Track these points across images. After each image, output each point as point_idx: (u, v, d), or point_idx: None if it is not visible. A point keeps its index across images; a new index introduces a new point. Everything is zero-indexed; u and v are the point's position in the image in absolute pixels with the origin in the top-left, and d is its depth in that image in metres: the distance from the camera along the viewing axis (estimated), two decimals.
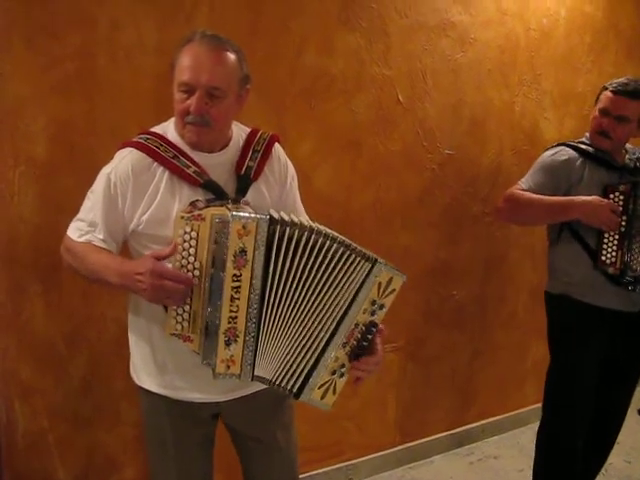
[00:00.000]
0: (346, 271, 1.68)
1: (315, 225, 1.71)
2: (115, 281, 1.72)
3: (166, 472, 1.99)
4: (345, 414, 3.24)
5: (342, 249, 1.67)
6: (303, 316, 1.69)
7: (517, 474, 3.44)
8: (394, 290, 1.73)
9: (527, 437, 3.74)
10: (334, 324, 1.70)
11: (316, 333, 1.70)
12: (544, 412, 2.85)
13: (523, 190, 2.74)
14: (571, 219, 2.68)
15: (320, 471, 3.21)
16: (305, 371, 1.72)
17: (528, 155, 3.40)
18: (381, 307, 1.73)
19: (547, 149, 2.82)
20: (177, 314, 1.69)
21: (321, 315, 1.69)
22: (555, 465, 2.80)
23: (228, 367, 1.67)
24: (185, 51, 1.76)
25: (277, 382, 1.72)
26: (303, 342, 1.70)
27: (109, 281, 1.74)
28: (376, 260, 1.69)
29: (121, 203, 1.78)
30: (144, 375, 1.93)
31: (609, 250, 2.62)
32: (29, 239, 2.35)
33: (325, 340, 1.70)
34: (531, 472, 2.93)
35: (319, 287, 1.68)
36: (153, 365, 1.89)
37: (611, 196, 2.62)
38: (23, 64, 2.26)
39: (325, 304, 1.69)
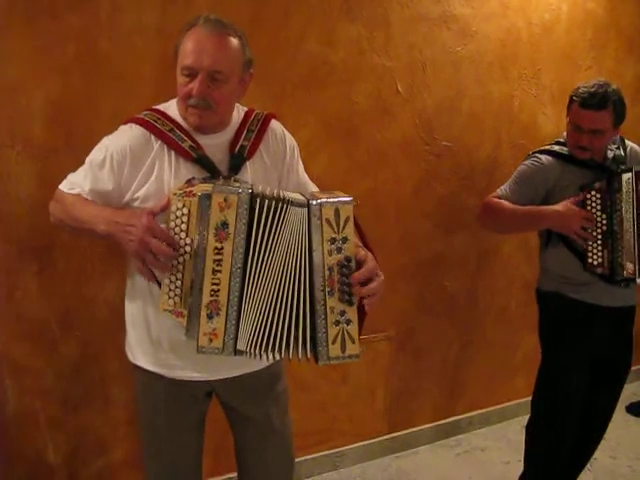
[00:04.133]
0: (292, 224, 1.68)
1: (292, 195, 1.72)
2: (103, 229, 1.73)
3: (159, 450, 2.01)
4: (334, 402, 3.26)
5: (285, 206, 1.67)
6: (281, 283, 1.69)
7: (503, 466, 3.46)
8: (348, 218, 1.68)
9: (515, 430, 3.77)
10: (307, 280, 1.69)
11: (296, 295, 1.69)
12: (533, 408, 2.86)
13: (499, 197, 2.73)
14: (545, 228, 2.70)
15: (308, 457, 3.23)
16: (308, 334, 1.71)
17: (525, 150, 3.39)
18: (345, 240, 1.68)
19: (525, 158, 2.80)
20: (170, 290, 1.70)
21: (293, 277, 1.69)
22: (542, 460, 2.81)
23: (210, 340, 1.67)
24: (188, 35, 1.78)
25: (262, 353, 1.71)
26: (285, 308, 1.70)
27: (96, 229, 1.75)
28: (308, 202, 1.67)
29: (117, 175, 1.80)
30: (139, 353, 1.95)
31: (594, 252, 2.60)
32: (25, 219, 2.36)
33: (308, 297, 1.69)
34: (517, 465, 2.95)
35: (285, 251, 1.68)
36: (148, 343, 1.91)
37: (588, 196, 2.58)
38: (23, 44, 2.26)
39: (291, 264, 1.69)
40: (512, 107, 3.57)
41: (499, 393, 3.94)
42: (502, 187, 2.77)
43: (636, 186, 2.55)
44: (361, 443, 3.43)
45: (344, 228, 1.68)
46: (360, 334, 1.73)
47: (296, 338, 1.71)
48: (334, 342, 1.70)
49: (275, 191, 1.72)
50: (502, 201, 2.70)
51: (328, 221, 1.67)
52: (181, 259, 1.69)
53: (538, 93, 3.65)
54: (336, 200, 1.68)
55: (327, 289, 1.69)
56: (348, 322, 1.71)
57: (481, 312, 3.75)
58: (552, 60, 3.65)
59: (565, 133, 2.72)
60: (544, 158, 2.69)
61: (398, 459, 3.51)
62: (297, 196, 1.72)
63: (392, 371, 3.45)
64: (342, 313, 1.70)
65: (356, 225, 1.75)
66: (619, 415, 2.90)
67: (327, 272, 1.69)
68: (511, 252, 3.76)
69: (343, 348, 1.71)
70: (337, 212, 1.67)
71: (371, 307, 1.75)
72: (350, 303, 1.70)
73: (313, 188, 2.06)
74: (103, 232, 1.74)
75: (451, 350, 3.67)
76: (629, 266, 2.56)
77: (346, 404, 3.32)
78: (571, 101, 2.64)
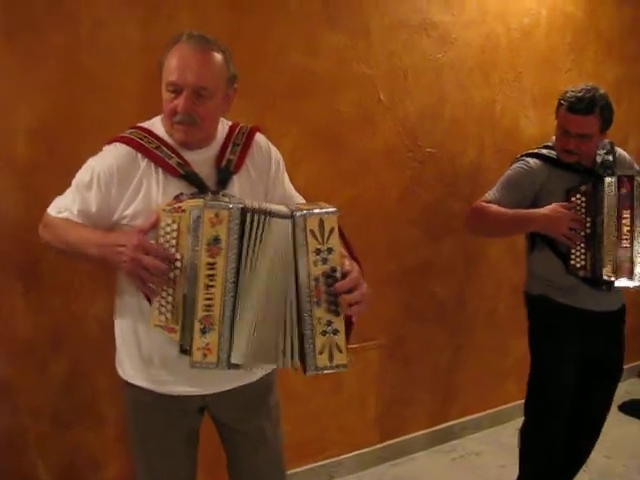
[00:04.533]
0: (277, 236, 1.68)
1: (279, 209, 1.71)
2: (94, 252, 1.74)
3: (150, 465, 2.00)
4: (326, 412, 3.26)
5: (270, 218, 1.67)
6: (271, 296, 1.69)
7: (498, 470, 3.46)
8: (333, 229, 1.68)
9: (508, 433, 3.76)
10: (293, 289, 1.69)
11: (284, 306, 1.69)
12: (525, 412, 2.87)
13: (488, 201, 2.73)
14: (533, 231, 2.71)
15: (303, 468, 3.21)
16: (295, 345, 1.71)
17: (509, 154, 3.41)
18: (330, 251, 1.69)
19: (513, 162, 2.81)
20: (161, 305, 1.70)
21: (282, 288, 1.69)
22: (536, 464, 2.81)
23: (205, 355, 1.67)
24: (173, 52, 1.79)
25: (256, 366, 1.73)
26: (278, 320, 1.70)
27: (88, 253, 1.76)
28: (292, 213, 1.68)
29: (105, 196, 1.80)
30: (130, 369, 1.93)
31: (577, 254, 2.61)
32: (9, 237, 2.35)
33: (295, 308, 1.70)
34: (512, 468, 2.95)
35: (274, 263, 1.68)
36: (139, 359, 1.90)
37: (573, 199, 2.60)
38: (4, 61, 2.26)
39: (278, 275, 1.69)
40: (494, 112, 3.60)
41: (491, 397, 3.94)
42: (490, 191, 2.77)
43: (618, 190, 2.56)
44: (355, 452, 3.42)
45: (329, 239, 1.68)
46: (348, 344, 1.73)
47: (284, 349, 1.71)
48: (322, 352, 1.70)
49: (262, 204, 1.72)
50: (491, 205, 2.70)
51: (312, 232, 1.67)
52: (171, 274, 1.69)
53: (519, 97, 3.67)
54: (320, 211, 1.69)
55: (313, 300, 1.69)
56: (335, 332, 1.71)
57: (470, 317, 3.76)
58: (532, 64, 3.69)
59: (554, 137, 2.74)
60: (532, 162, 2.71)
61: (393, 467, 3.51)
62: (281, 208, 1.73)
63: (383, 379, 3.44)
64: (329, 323, 1.70)
65: (341, 235, 1.75)
66: (612, 414, 2.90)
67: (313, 283, 1.69)
68: (498, 256, 3.77)
69: (331, 358, 1.71)
70: (321, 223, 1.68)
71: (357, 316, 1.75)
72: (337, 313, 1.70)
73: (299, 200, 2.06)
74: (95, 256, 1.75)
75: (442, 356, 3.68)
76: (608, 267, 2.57)
77: (338, 414, 3.31)
78: (559, 105, 2.65)
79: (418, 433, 3.65)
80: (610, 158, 2.69)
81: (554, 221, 2.57)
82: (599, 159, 2.68)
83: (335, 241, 1.69)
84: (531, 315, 2.86)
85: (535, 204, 2.67)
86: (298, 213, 1.68)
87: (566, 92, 2.63)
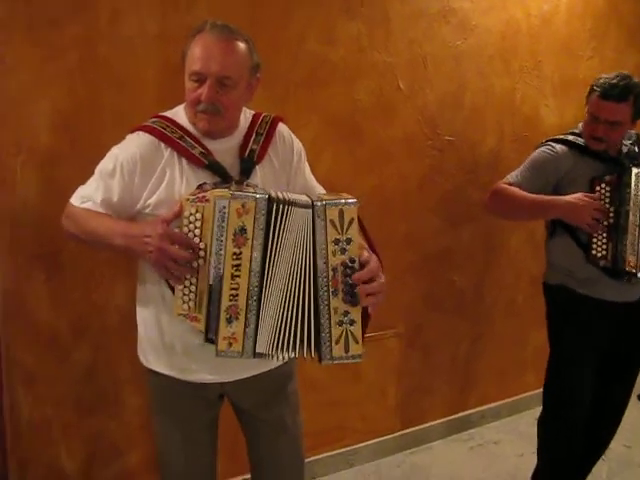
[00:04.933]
0: (298, 225, 1.69)
1: (304, 199, 1.72)
2: (119, 243, 1.75)
3: (174, 453, 2.01)
4: (346, 400, 3.27)
5: (291, 208, 1.68)
6: (292, 285, 1.71)
7: (517, 459, 3.46)
8: (352, 219, 1.69)
9: (527, 422, 3.76)
10: (311, 280, 1.70)
11: (302, 295, 1.71)
12: (544, 401, 2.86)
13: (510, 184, 2.71)
14: (554, 217, 2.69)
15: (322, 456, 3.23)
16: (312, 334, 1.72)
17: (529, 142, 3.39)
18: (349, 241, 1.70)
19: (539, 145, 2.79)
20: (184, 294, 1.71)
21: (300, 277, 1.71)
22: (554, 453, 2.81)
23: (230, 345, 1.69)
24: (196, 41, 1.79)
25: (279, 354, 1.73)
26: (294, 308, 1.71)
27: (113, 244, 1.77)
28: (312, 203, 1.69)
29: (128, 184, 1.81)
30: (152, 357, 1.95)
31: (599, 244, 2.59)
32: (32, 228, 2.36)
33: (312, 298, 1.71)
34: (530, 457, 2.96)
35: (294, 253, 1.70)
36: (161, 347, 1.91)
37: (597, 188, 2.58)
38: (25, 54, 2.27)
39: (298, 265, 1.70)
40: (514, 100, 3.57)
41: (510, 386, 3.94)
42: (513, 174, 2.76)
43: None
44: (374, 440, 3.43)
45: (348, 229, 1.69)
46: (364, 335, 1.74)
47: (302, 338, 1.72)
48: (337, 342, 1.71)
49: (286, 194, 1.73)
50: (513, 188, 2.68)
51: (332, 222, 1.68)
52: (195, 264, 1.70)
53: (539, 85, 3.64)
54: (340, 201, 1.69)
55: (331, 289, 1.70)
56: (352, 322, 1.72)
57: (489, 306, 3.75)
58: (552, 51, 3.65)
59: (581, 124, 2.71)
60: (558, 147, 2.68)
61: (412, 455, 3.52)
62: (302, 197, 1.73)
63: (402, 368, 3.45)
64: (345, 313, 1.71)
65: (360, 226, 1.76)
66: (632, 404, 2.88)
67: (331, 272, 1.70)
68: (518, 246, 3.76)
69: (346, 348, 1.72)
70: (341, 213, 1.68)
71: (374, 308, 1.76)
72: (354, 304, 1.71)
73: (320, 190, 2.06)
74: (120, 246, 1.76)
75: (461, 345, 3.67)
76: (631, 259, 2.55)
77: (358, 402, 3.32)
78: (591, 91, 2.62)
79: (437, 422, 3.65)
80: (636, 149, 2.68)
81: (578, 209, 2.55)
82: (625, 149, 2.66)
83: (354, 232, 1.70)
84: (550, 304, 2.85)
85: (557, 191, 2.66)
86: (318, 203, 1.69)
87: (599, 78, 2.60)
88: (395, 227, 3.25)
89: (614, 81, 2.53)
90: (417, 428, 3.57)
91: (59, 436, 2.54)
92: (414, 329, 3.45)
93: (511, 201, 2.68)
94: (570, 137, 2.71)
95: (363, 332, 1.74)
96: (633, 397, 2.91)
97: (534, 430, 2.91)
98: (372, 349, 3.21)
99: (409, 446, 3.54)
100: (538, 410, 2.91)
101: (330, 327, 1.71)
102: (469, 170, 3.46)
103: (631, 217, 2.54)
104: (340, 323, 1.71)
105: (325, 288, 1.70)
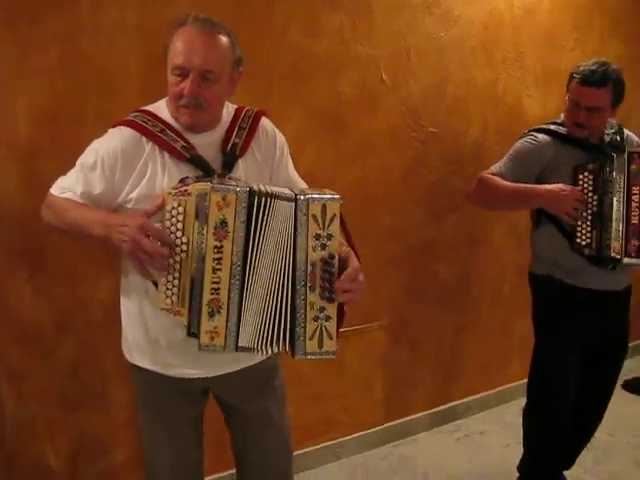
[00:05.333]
0: (280, 219, 1.70)
1: (286, 192, 1.73)
2: (98, 232, 1.73)
3: (160, 449, 2.01)
4: (332, 394, 3.27)
5: (274, 200, 1.69)
6: (271, 278, 1.72)
7: (503, 449, 3.47)
8: (335, 215, 1.70)
9: (512, 413, 3.78)
10: (289, 274, 1.71)
11: (281, 290, 1.72)
12: (529, 392, 2.88)
13: (493, 174, 2.73)
14: (536, 207, 2.72)
15: (309, 449, 3.23)
16: (288, 329, 1.73)
17: (512, 133, 3.39)
18: (330, 237, 1.70)
19: (521, 135, 2.81)
20: (167, 289, 1.71)
21: (279, 271, 1.72)
22: (539, 444, 2.83)
23: (212, 338, 1.69)
24: (178, 35, 1.78)
25: (262, 348, 1.73)
26: (274, 302, 1.72)
27: (92, 233, 1.75)
28: (296, 196, 1.69)
29: (109, 178, 1.80)
30: (136, 352, 1.94)
31: (583, 232, 2.60)
32: (13, 223, 2.34)
33: (289, 291, 1.72)
34: (516, 447, 2.97)
35: (275, 246, 1.71)
36: (145, 342, 1.90)
37: (580, 177, 2.60)
38: (5, 49, 2.25)
39: (278, 258, 1.71)
40: (497, 91, 3.58)
41: (495, 377, 3.96)
42: (497, 164, 2.77)
43: (628, 167, 2.55)
44: (360, 433, 3.43)
45: (330, 225, 1.70)
46: (338, 331, 1.75)
47: (279, 332, 1.73)
48: (312, 338, 1.73)
49: (268, 187, 1.73)
50: (496, 178, 2.71)
51: (314, 217, 1.69)
52: (177, 258, 1.70)
53: (522, 76, 3.65)
54: (324, 196, 1.69)
55: (308, 284, 1.71)
56: (327, 318, 1.73)
57: (474, 297, 3.76)
58: (535, 42, 3.66)
59: (563, 114, 2.74)
60: (540, 137, 2.70)
61: (398, 447, 3.52)
62: (285, 191, 1.73)
63: (387, 360, 3.45)
64: (322, 309, 1.72)
65: (341, 223, 1.76)
66: (616, 392, 2.90)
67: (310, 267, 1.71)
68: (501, 236, 3.77)
69: (320, 344, 1.73)
70: (324, 208, 1.69)
71: (350, 305, 1.77)
72: (330, 300, 1.72)
73: (303, 185, 2.06)
74: (99, 235, 1.73)
75: (445, 336, 3.68)
76: (615, 245, 2.55)
77: (343, 395, 3.32)
78: (571, 78, 2.64)
79: (422, 413, 3.66)
80: (618, 138, 2.69)
81: (558, 198, 2.57)
82: (607, 138, 2.68)
83: (336, 228, 1.71)
84: (536, 294, 2.86)
85: (540, 181, 2.67)
86: (301, 197, 1.69)
87: (579, 66, 2.63)
88: (379, 219, 3.25)
89: (593, 67, 2.56)
90: (403, 420, 3.58)
91: (44, 432, 2.52)
92: (398, 321, 3.45)
93: (493, 190, 2.70)
94: (552, 126, 2.73)
95: (338, 329, 1.75)
96: (617, 386, 2.93)
97: (520, 420, 2.94)
98: (357, 342, 3.23)
99: (395, 438, 3.55)
100: (524, 400, 2.93)
101: (305, 322, 1.72)
102: (453, 161, 3.46)
103: (615, 204, 2.54)
104: (316, 318, 1.72)
105: (303, 283, 1.71)
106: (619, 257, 2.56)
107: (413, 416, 3.63)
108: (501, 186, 2.67)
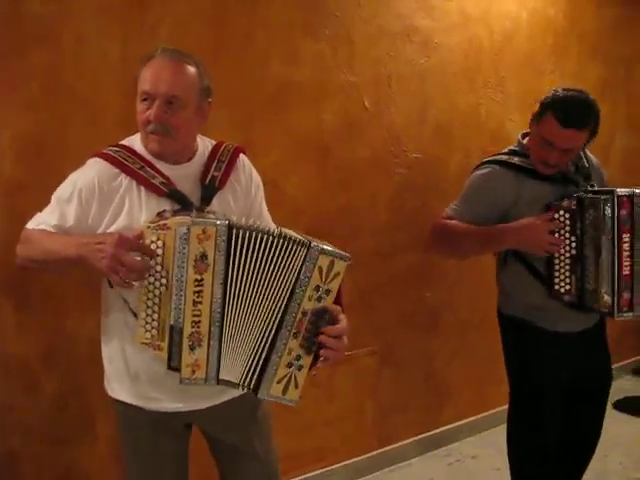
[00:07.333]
0: (286, 261, 1.70)
1: (269, 227, 1.75)
2: (72, 252, 1.71)
3: None
4: (323, 420, 3.25)
5: (280, 241, 1.69)
6: (256, 314, 1.72)
7: (495, 473, 3.44)
8: (338, 273, 1.71)
9: (504, 436, 3.72)
10: (279, 315, 1.71)
11: (265, 327, 1.72)
12: (510, 436, 2.75)
13: (449, 217, 2.49)
14: (507, 247, 2.48)
15: (301, 477, 3.21)
16: (259, 367, 1.73)
17: None
18: (328, 292, 1.71)
19: (476, 167, 2.56)
20: (146, 322, 1.71)
21: (268, 309, 1.72)
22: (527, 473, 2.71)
23: (193, 372, 1.69)
24: (147, 65, 1.81)
25: (240, 382, 1.74)
26: (256, 339, 1.72)
27: (67, 256, 1.72)
28: (310, 244, 1.69)
29: (85, 210, 1.80)
30: (118, 387, 1.93)
31: (562, 277, 2.37)
32: None
33: (273, 333, 1.72)
34: (508, 471, 2.91)
35: (266, 283, 1.71)
36: (126, 377, 1.89)
37: (556, 216, 2.34)
38: None
39: (270, 297, 1.71)
40: (479, 115, 3.62)
41: (486, 400, 3.94)
42: (453, 205, 2.54)
43: (618, 213, 2.29)
44: (352, 460, 3.41)
45: (331, 281, 1.71)
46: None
47: (255, 367, 1.73)
48: (279, 382, 1.73)
49: (249, 222, 1.73)
50: (453, 222, 2.47)
51: (320, 269, 1.69)
52: (157, 292, 1.70)
53: (504, 100, 3.69)
54: (335, 252, 1.70)
55: (293, 330, 1.72)
56: (300, 368, 1.74)
57: (463, 321, 3.77)
58: (515, 67, 3.71)
59: (521, 139, 2.55)
60: (500, 170, 2.47)
61: (390, 473, 3.51)
62: (296, 235, 1.73)
63: (378, 386, 3.44)
64: (298, 358, 1.73)
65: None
66: (607, 412, 2.85)
67: (300, 315, 1.71)
68: (488, 259, 3.77)
69: (285, 390, 1.74)
70: (332, 264, 1.70)
71: (325, 362, 1.76)
72: (309, 351, 1.74)
73: (272, 226, 2.02)
74: (74, 255, 1.71)
75: (435, 360, 3.68)
76: (606, 299, 2.34)
77: (334, 422, 3.30)
78: (545, 110, 2.37)
79: (414, 438, 3.65)
80: (585, 164, 2.53)
81: (531, 234, 2.33)
82: (571, 166, 2.49)
83: (335, 285, 1.72)
84: (506, 336, 2.70)
85: (505, 221, 2.43)
86: (315, 245, 1.68)
87: (554, 95, 2.38)
88: (365, 245, 3.26)
89: (574, 106, 2.31)
90: (395, 446, 3.56)
91: (30, 468, 2.49)
92: (388, 347, 3.45)
93: (453, 238, 2.47)
94: (515, 159, 2.48)
95: (305, 380, 1.76)
96: (609, 406, 2.85)
97: None
98: (346, 368, 3.22)
99: (387, 464, 3.53)
100: None
101: (279, 365, 1.72)
102: (437, 187, 3.48)
103: (604, 254, 2.32)
104: (289, 365, 1.73)
105: (289, 327, 1.71)
106: (611, 312, 2.35)
107: (405, 441, 3.61)
108: (461, 230, 2.43)
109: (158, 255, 1.68)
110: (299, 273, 1.69)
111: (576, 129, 2.30)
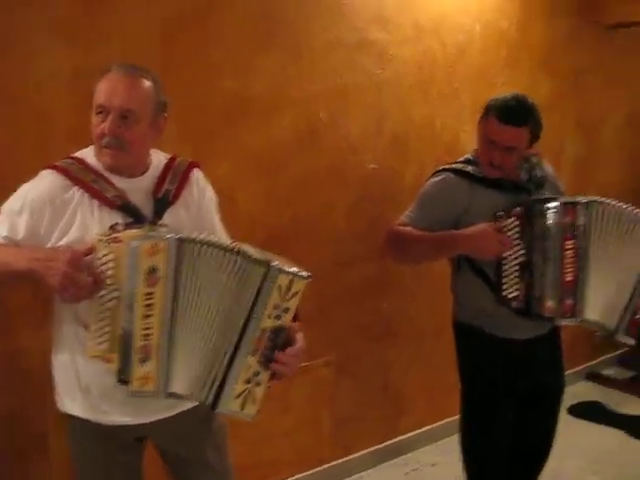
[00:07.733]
0: (244, 279, 1.71)
1: (224, 242, 1.77)
2: (23, 266, 1.69)
3: None
4: (279, 431, 3.25)
5: (238, 258, 1.70)
6: (210, 329, 1.73)
7: None
8: (297, 292, 1.73)
9: None
10: (237, 332, 1.72)
11: (222, 343, 1.73)
12: (463, 442, 2.78)
13: (404, 224, 2.52)
14: (459, 253, 2.52)
15: None
16: (217, 382, 1.74)
17: None
18: (286, 311, 1.73)
19: (431, 176, 2.62)
20: (97, 335, 1.70)
21: (225, 326, 1.73)
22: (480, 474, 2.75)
23: (143, 384, 1.70)
24: (103, 78, 1.82)
25: (193, 396, 1.75)
26: (212, 354, 1.73)
27: (17, 268, 1.71)
28: (269, 264, 1.70)
29: (36, 222, 1.79)
30: (68, 401, 1.93)
31: (510, 284, 2.39)
32: None
33: (231, 349, 1.73)
34: None
35: (219, 298, 1.72)
36: (78, 389, 1.89)
37: (505, 223, 2.37)
38: None
39: (227, 314, 1.72)
40: (434, 127, 3.65)
41: (444, 409, 3.95)
42: (407, 212, 2.57)
43: (562, 220, 2.36)
44: (311, 471, 3.41)
45: (290, 299, 1.73)
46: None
47: (211, 382, 1.74)
48: (238, 397, 1.75)
49: (201, 235, 1.73)
50: (407, 228, 2.50)
51: (280, 288, 1.70)
52: (109, 305, 1.69)
53: (458, 112, 3.73)
54: (295, 272, 1.71)
55: (252, 347, 1.73)
56: (258, 384, 1.76)
57: (420, 330, 3.78)
58: (468, 79, 3.75)
59: (474, 149, 2.60)
60: (453, 178, 2.52)
61: None
62: (253, 251, 1.74)
63: (335, 396, 3.45)
64: (256, 374, 1.75)
65: None
66: (562, 417, 2.88)
67: (258, 333, 1.73)
68: (444, 269, 3.80)
69: (243, 406, 1.76)
70: (291, 283, 1.71)
71: (279, 378, 1.80)
72: (266, 368, 1.75)
73: (226, 241, 2.04)
74: (25, 269, 1.69)
75: (392, 370, 3.70)
76: (549, 304, 2.40)
77: (291, 433, 3.30)
78: (487, 112, 2.47)
79: (372, 448, 3.66)
80: (539, 173, 2.57)
81: (482, 240, 2.36)
82: (524, 175, 2.55)
83: (294, 304, 1.74)
84: (460, 344, 2.73)
85: (456, 228, 2.47)
86: (275, 265, 1.69)
87: (495, 99, 2.47)
88: (322, 257, 3.26)
89: (512, 103, 2.41)
90: (352, 457, 3.57)
91: None
92: (344, 357, 3.46)
93: (407, 243, 2.50)
94: (469, 167, 2.53)
95: (263, 395, 1.78)
96: (563, 411, 2.87)
97: None
98: (303, 379, 3.21)
99: (344, 475, 3.53)
100: None
101: (237, 381, 1.74)
102: (393, 197, 3.50)
103: (547, 257, 2.37)
104: (248, 381, 1.75)
105: (248, 345, 1.73)
106: (553, 317, 2.43)
107: (362, 452, 3.62)
108: (414, 237, 2.47)
109: (109, 269, 1.67)
110: (258, 292, 1.70)
111: (514, 125, 2.39)
